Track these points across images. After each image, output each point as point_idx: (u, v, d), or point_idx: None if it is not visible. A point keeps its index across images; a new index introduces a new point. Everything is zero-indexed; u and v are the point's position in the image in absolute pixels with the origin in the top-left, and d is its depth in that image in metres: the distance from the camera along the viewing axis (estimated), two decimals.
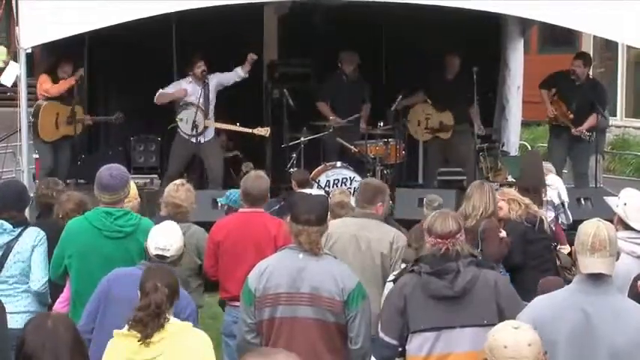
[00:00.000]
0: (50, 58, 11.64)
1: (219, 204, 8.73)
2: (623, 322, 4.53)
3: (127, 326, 4.93)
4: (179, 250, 5.84)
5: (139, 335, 4.83)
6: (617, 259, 4.75)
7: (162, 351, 4.80)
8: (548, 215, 8.55)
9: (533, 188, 8.11)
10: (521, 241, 7.41)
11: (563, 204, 9.32)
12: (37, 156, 11.58)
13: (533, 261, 7.40)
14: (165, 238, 5.82)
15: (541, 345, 4.06)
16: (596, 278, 4.60)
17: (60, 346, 3.83)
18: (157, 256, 5.76)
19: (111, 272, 5.81)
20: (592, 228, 4.66)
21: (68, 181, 11.64)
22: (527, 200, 7.62)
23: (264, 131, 11.61)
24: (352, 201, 9.35)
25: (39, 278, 6.72)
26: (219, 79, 11.75)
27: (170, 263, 5.71)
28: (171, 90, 11.60)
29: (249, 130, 11.64)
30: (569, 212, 9.41)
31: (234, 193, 8.72)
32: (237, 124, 11.70)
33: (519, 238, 7.42)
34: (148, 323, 4.84)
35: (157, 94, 11.58)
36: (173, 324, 4.91)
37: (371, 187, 6.92)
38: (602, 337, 4.52)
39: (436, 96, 12.32)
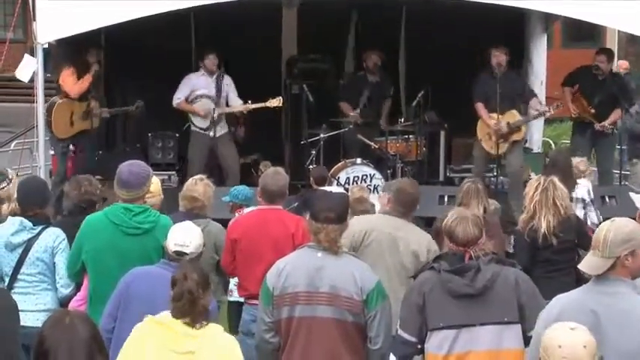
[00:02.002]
0: (72, 54, 11.53)
1: (225, 202, 8.64)
2: (631, 324, 4.49)
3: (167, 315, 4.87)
4: (198, 248, 5.77)
5: (179, 324, 4.78)
6: None
7: (199, 347, 4.75)
8: (578, 213, 8.35)
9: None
10: (527, 246, 7.26)
11: (592, 201, 9.11)
12: (53, 152, 11.49)
13: (540, 263, 7.22)
14: (184, 234, 5.77)
15: (596, 347, 4.00)
16: (606, 278, 4.57)
17: (76, 343, 3.79)
18: (176, 252, 5.70)
19: (128, 272, 5.77)
20: (600, 226, 4.68)
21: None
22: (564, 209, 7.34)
23: (276, 102, 11.51)
24: (372, 198, 9.29)
25: (68, 283, 6.73)
26: (230, 89, 11.61)
27: (189, 261, 5.62)
28: (183, 98, 11.52)
29: (263, 105, 11.52)
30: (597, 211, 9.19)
31: (238, 190, 8.66)
32: (249, 101, 11.59)
33: (524, 242, 7.28)
34: (186, 311, 4.78)
35: (175, 102, 11.55)
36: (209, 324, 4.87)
37: (410, 197, 6.80)
38: (609, 339, 4.45)
39: (489, 97, 11.36)
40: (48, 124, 11.06)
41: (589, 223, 8.88)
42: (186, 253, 5.67)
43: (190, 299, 4.80)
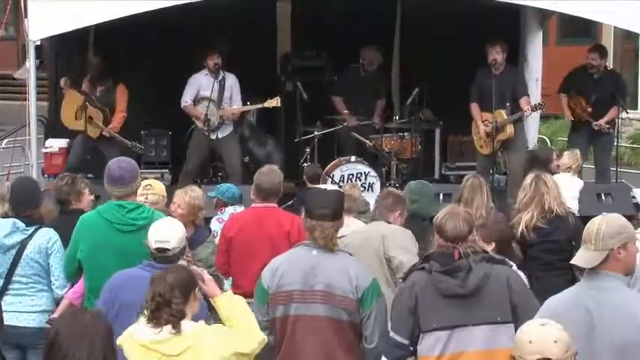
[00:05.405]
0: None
1: (210, 197, 8.60)
2: (623, 319, 4.52)
3: (144, 325, 4.74)
4: (180, 242, 5.65)
5: (160, 352, 4.67)
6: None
7: (184, 350, 4.66)
8: None
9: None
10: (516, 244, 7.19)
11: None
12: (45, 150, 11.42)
13: (532, 262, 7.13)
14: (164, 230, 5.64)
15: (569, 344, 4.01)
16: (598, 273, 4.60)
17: (96, 338, 3.78)
18: (158, 250, 5.57)
19: (112, 277, 5.68)
20: (591, 221, 4.70)
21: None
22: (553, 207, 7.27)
23: (274, 102, 11.43)
24: (367, 196, 9.23)
25: (64, 284, 6.71)
26: (234, 89, 11.48)
27: (173, 256, 5.53)
28: (190, 101, 11.40)
29: (260, 106, 11.47)
30: None
31: (225, 187, 8.63)
32: (248, 102, 11.52)
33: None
34: (155, 313, 4.69)
35: (183, 104, 11.42)
36: (194, 329, 4.74)
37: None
38: (603, 333, 4.51)
39: (486, 96, 11.15)
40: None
41: None
42: (168, 249, 5.54)
43: (160, 302, 4.69)
